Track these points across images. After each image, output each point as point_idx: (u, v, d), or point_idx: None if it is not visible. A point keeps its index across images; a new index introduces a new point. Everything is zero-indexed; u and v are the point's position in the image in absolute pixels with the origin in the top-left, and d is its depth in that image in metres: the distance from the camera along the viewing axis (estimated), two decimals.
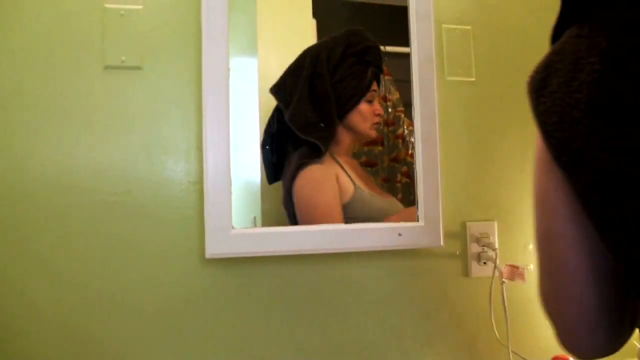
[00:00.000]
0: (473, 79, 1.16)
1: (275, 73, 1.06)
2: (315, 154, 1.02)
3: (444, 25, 1.14)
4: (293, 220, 1.02)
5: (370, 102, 1.06)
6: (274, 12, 1.07)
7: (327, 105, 1.02)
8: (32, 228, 0.92)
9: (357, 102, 1.05)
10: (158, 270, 0.96)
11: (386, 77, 1.11)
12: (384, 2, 1.11)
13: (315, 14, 1.06)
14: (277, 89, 1.03)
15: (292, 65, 1.04)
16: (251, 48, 1.04)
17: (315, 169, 1.02)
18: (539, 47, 1.27)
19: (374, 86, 1.07)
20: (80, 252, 0.94)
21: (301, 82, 1.02)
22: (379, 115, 1.06)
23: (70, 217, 0.93)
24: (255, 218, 1.01)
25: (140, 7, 0.99)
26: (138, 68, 0.98)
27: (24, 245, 0.92)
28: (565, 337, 0.51)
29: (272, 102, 1.05)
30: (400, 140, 1.08)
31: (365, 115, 1.06)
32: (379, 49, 1.08)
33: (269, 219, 1.01)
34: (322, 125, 1.03)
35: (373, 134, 1.06)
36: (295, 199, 1.02)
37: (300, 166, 1.01)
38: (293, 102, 1.02)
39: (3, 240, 0.91)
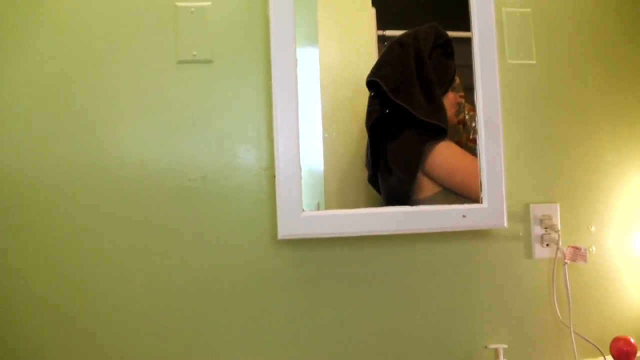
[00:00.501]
0: (534, 62, 1.16)
1: (336, 62, 1.08)
2: (438, 135, 1.06)
3: (503, 9, 1.15)
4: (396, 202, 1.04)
5: (452, 89, 1.10)
6: (334, 1, 1.10)
7: (435, 90, 1.06)
8: (117, 212, 0.99)
9: (447, 90, 1.09)
10: (233, 250, 1.02)
11: None
12: None
13: (374, 3, 1.08)
14: (382, 77, 1.05)
15: (390, 55, 1.07)
16: (312, 38, 1.07)
17: (447, 141, 1.07)
18: (598, 28, 1.26)
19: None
20: (161, 233, 1.00)
21: (408, 70, 1.05)
22: (458, 103, 1.10)
23: (150, 202, 1.00)
24: (318, 204, 1.04)
25: (209, 3, 1.04)
26: (209, 62, 1.04)
27: (110, 228, 0.99)
28: None
29: (334, 91, 1.07)
30: (461, 126, 1.10)
31: (452, 102, 1.09)
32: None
33: (331, 205, 1.04)
34: (437, 109, 1.06)
35: (455, 119, 1.09)
36: (439, 172, 1.06)
37: (430, 143, 1.05)
38: (402, 89, 1.04)
39: (91, 225, 0.99)
